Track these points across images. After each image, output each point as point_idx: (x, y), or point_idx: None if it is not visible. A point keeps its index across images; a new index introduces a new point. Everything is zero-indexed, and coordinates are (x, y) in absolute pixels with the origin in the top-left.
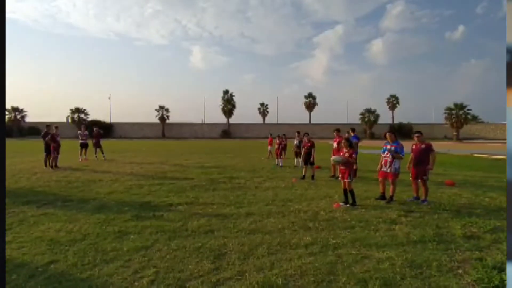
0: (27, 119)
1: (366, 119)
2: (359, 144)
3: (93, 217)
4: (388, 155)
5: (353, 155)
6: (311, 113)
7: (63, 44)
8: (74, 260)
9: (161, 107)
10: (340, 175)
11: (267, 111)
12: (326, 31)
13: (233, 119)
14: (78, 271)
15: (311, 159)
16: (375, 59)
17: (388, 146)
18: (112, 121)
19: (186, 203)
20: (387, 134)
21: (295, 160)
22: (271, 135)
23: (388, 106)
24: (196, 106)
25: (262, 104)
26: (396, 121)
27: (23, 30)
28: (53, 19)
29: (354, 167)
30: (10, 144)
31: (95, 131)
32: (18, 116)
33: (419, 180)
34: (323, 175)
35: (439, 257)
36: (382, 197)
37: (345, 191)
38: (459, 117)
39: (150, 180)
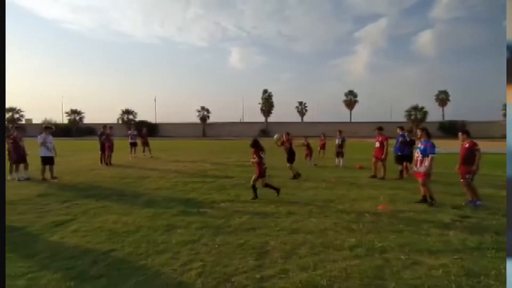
0: (84, 121)
1: (413, 117)
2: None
3: (144, 211)
4: (419, 154)
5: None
6: (352, 111)
7: (114, 50)
8: (130, 249)
9: (202, 108)
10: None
11: (306, 110)
12: (368, 25)
13: (271, 118)
14: (133, 260)
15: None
16: (423, 52)
17: (420, 145)
18: (157, 121)
19: (227, 200)
20: (418, 132)
21: (336, 159)
22: (323, 134)
23: (437, 103)
24: (235, 106)
25: (300, 103)
26: (446, 118)
27: (80, 39)
28: (106, 28)
29: (400, 168)
30: (70, 143)
31: (144, 131)
32: (77, 118)
33: (462, 180)
34: (363, 175)
35: (497, 265)
36: (423, 200)
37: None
38: None
39: (193, 178)
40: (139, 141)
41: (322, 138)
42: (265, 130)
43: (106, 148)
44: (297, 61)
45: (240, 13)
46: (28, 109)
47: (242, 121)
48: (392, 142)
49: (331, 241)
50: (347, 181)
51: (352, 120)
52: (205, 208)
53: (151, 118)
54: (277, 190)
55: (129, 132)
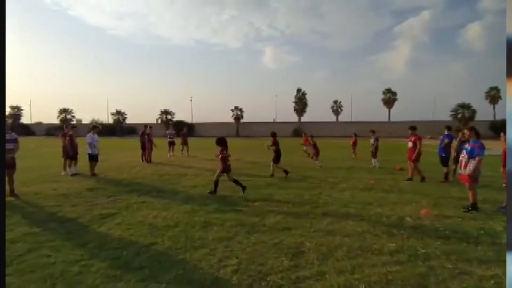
0: (127, 121)
1: (460, 116)
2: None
3: (182, 207)
4: (464, 156)
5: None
6: (391, 110)
7: (153, 54)
8: (169, 244)
9: (236, 107)
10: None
11: (341, 109)
12: (409, 19)
13: (305, 118)
14: (173, 254)
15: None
16: (471, 46)
17: (467, 145)
18: (193, 121)
19: (261, 199)
20: (466, 131)
21: (372, 160)
22: (355, 134)
23: (487, 100)
24: (268, 106)
25: (335, 102)
26: (498, 117)
27: (123, 44)
28: (146, 33)
29: (445, 171)
30: (114, 142)
31: (184, 131)
32: (121, 118)
33: (504, 185)
34: (403, 177)
35: None
36: (473, 206)
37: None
38: None
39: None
40: (177, 140)
41: (353, 137)
42: (299, 130)
43: (147, 146)
44: (332, 59)
45: (273, 12)
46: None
47: (275, 121)
48: (430, 142)
49: (370, 245)
50: (386, 183)
51: (391, 120)
52: (240, 206)
53: (187, 118)
54: (243, 188)
55: (168, 131)
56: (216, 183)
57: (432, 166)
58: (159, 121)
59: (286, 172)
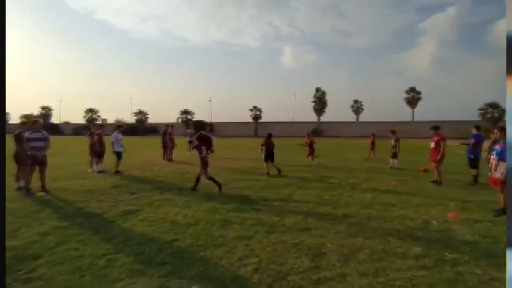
0: (149, 120)
1: (489, 115)
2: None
3: (202, 205)
4: (494, 157)
5: None
6: (414, 109)
7: (174, 55)
8: (191, 241)
9: (255, 107)
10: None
11: (362, 109)
12: (434, 15)
13: (324, 118)
14: (194, 251)
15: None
16: (500, 42)
17: (497, 146)
18: (212, 120)
19: (281, 199)
20: (496, 132)
21: (391, 161)
22: (373, 135)
23: None
24: (286, 105)
25: (355, 101)
26: None
27: (145, 46)
28: (167, 35)
29: (475, 173)
30: (137, 140)
31: (207, 130)
32: (142, 118)
33: None
34: (428, 178)
35: None
36: (503, 210)
37: None
38: None
39: (247, 175)
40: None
41: (371, 137)
42: (318, 129)
43: (168, 145)
44: (352, 58)
45: (293, 11)
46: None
47: (293, 120)
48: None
49: (393, 248)
50: (409, 185)
51: (414, 119)
52: (259, 205)
53: (206, 118)
54: (219, 185)
55: (188, 130)
56: (197, 180)
57: (460, 168)
58: (179, 120)
59: (279, 170)
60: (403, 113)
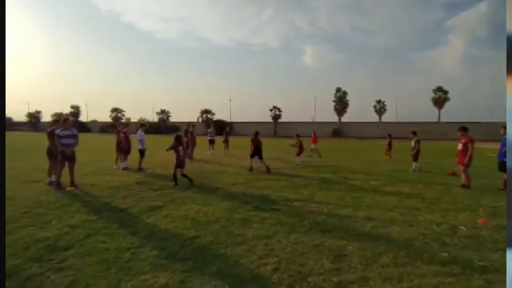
0: (171, 119)
1: None
2: None
3: (222, 204)
4: None
5: None
6: (441, 110)
7: (195, 55)
8: (211, 238)
9: (274, 107)
10: None
11: (384, 109)
12: (463, 12)
13: (345, 118)
14: (214, 248)
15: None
16: None
17: None
18: (232, 120)
19: (301, 199)
20: None
21: (413, 164)
22: (389, 135)
23: None
24: (306, 105)
25: (378, 101)
26: None
27: (168, 46)
28: (189, 35)
29: (505, 177)
30: (160, 139)
31: (227, 130)
32: (165, 117)
33: None
34: (456, 182)
35: None
36: None
37: None
38: None
39: (267, 175)
40: (217, 139)
41: (388, 138)
42: (338, 130)
43: (190, 144)
44: (375, 57)
45: (314, 10)
46: (126, 109)
47: (313, 120)
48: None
49: (419, 253)
50: (436, 189)
51: (441, 120)
52: (279, 205)
53: (226, 117)
54: (191, 181)
55: (208, 130)
56: (174, 176)
57: (490, 172)
58: (200, 120)
59: (267, 169)
60: (429, 114)
